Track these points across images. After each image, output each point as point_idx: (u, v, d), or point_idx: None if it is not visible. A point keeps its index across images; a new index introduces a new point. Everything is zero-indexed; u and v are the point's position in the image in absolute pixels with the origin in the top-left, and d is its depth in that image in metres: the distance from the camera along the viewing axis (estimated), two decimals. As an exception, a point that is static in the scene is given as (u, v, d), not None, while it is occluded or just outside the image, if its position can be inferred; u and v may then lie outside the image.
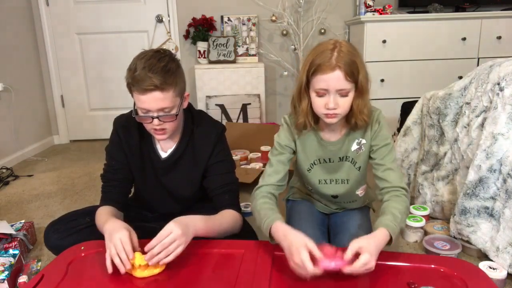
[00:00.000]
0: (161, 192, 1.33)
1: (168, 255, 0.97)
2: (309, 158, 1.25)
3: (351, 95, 1.09)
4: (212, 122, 1.32)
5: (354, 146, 1.22)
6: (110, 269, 0.98)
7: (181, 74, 1.16)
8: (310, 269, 0.92)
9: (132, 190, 1.50)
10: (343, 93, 1.08)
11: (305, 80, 1.10)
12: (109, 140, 1.30)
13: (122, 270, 0.97)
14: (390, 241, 1.03)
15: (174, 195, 1.34)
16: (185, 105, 1.22)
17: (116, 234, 1.01)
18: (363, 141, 1.21)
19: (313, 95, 1.11)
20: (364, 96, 1.11)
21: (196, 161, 1.28)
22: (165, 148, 1.28)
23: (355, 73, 1.06)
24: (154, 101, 1.09)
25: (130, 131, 1.26)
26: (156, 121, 1.12)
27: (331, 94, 1.07)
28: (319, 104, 1.10)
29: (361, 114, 1.13)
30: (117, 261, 0.98)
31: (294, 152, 1.27)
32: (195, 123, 1.28)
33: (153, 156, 1.28)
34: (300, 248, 0.94)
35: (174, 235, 0.98)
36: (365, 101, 1.12)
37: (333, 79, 1.05)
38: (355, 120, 1.15)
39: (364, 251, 0.94)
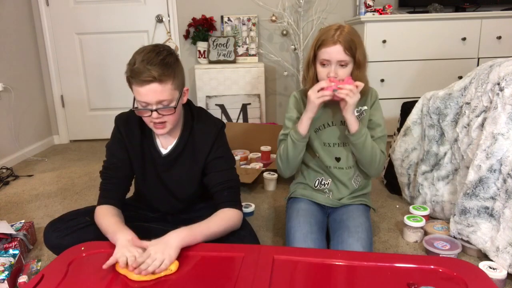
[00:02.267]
0: (161, 189, 1.33)
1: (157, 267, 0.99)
2: (314, 123, 1.40)
3: (350, 67, 1.32)
4: (212, 118, 1.33)
5: (354, 113, 1.37)
6: (106, 266, 1.00)
7: (179, 68, 1.17)
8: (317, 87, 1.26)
9: (133, 189, 1.50)
10: (342, 64, 1.31)
11: (312, 54, 1.35)
12: (110, 137, 1.31)
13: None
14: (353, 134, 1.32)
15: (174, 192, 1.34)
16: (184, 100, 1.24)
17: (135, 249, 1.03)
18: (364, 108, 1.41)
19: (318, 65, 1.34)
20: (362, 69, 1.34)
21: (196, 158, 1.28)
22: (165, 145, 1.29)
23: (353, 48, 1.29)
24: (153, 93, 1.10)
25: (131, 127, 1.27)
26: (155, 114, 1.13)
27: (333, 65, 1.30)
28: (323, 73, 1.33)
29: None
30: (124, 264, 1.00)
31: None
32: (194, 120, 1.29)
33: (154, 152, 1.29)
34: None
35: (151, 257, 0.99)
36: (363, 73, 1.35)
37: (334, 51, 1.29)
38: None
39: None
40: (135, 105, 1.17)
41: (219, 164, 1.27)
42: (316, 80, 1.38)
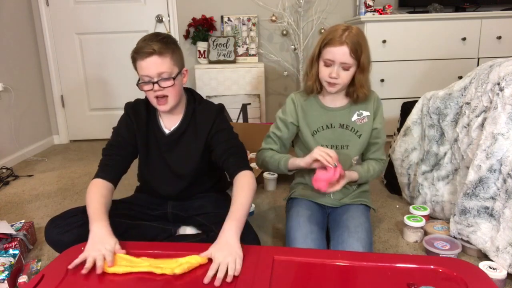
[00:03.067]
0: (163, 168, 1.38)
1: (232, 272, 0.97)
2: (312, 125, 1.42)
3: (352, 70, 1.31)
4: (211, 103, 1.41)
5: (355, 117, 1.41)
6: (72, 266, 1.01)
7: (178, 48, 1.28)
8: (329, 152, 1.26)
9: (132, 188, 1.50)
10: (345, 67, 1.30)
11: (317, 52, 1.33)
12: (118, 122, 1.38)
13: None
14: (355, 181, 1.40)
15: (175, 169, 1.37)
16: (185, 80, 1.33)
17: (103, 245, 1.04)
18: (365, 113, 1.41)
19: (321, 64, 1.33)
20: (365, 73, 1.33)
21: (197, 136, 1.34)
22: (169, 126, 1.36)
23: (358, 51, 1.28)
24: (154, 64, 1.21)
25: (138, 111, 1.36)
26: (156, 86, 1.22)
27: (336, 66, 1.29)
28: (325, 73, 1.32)
29: (362, 88, 1.34)
30: (90, 264, 1.01)
31: (296, 129, 1.45)
32: (196, 103, 1.37)
33: (158, 133, 1.35)
34: (316, 148, 1.29)
35: (223, 263, 0.98)
36: (366, 77, 1.34)
37: (340, 53, 1.27)
38: (356, 93, 1.36)
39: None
40: (139, 82, 1.26)
41: (221, 136, 1.32)
42: (318, 79, 1.37)
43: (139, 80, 1.26)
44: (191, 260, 1.01)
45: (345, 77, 1.31)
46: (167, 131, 1.35)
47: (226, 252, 1.01)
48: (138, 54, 1.22)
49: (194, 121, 1.35)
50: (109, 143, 1.36)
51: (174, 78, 1.24)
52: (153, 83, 1.22)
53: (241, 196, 1.18)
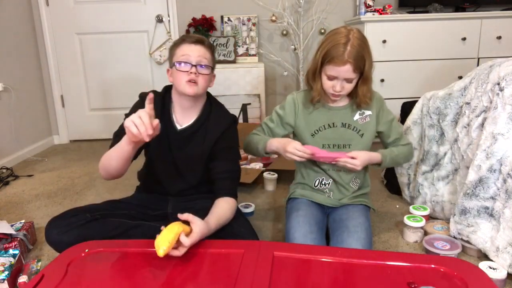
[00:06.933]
0: (170, 166, 1.39)
1: None
2: (314, 125, 1.43)
3: (355, 81, 1.33)
4: (227, 111, 1.46)
5: (357, 116, 1.42)
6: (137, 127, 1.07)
7: (214, 55, 1.39)
8: (301, 148, 1.31)
9: (133, 186, 1.50)
10: (349, 80, 1.31)
11: (319, 65, 1.32)
12: (131, 108, 1.36)
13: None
14: (379, 164, 1.41)
15: (181, 170, 1.40)
16: (211, 84, 1.38)
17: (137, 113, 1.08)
18: (367, 112, 1.42)
19: (324, 77, 1.33)
20: (368, 83, 1.35)
21: (206, 139, 1.36)
22: (181, 122, 1.38)
23: (361, 66, 1.28)
24: (197, 51, 1.29)
25: (154, 101, 1.33)
26: (194, 69, 1.28)
27: (339, 80, 1.31)
28: (328, 85, 1.33)
29: (365, 97, 1.36)
30: (138, 122, 1.07)
31: (291, 129, 1.48)
32: (212, 106, 1.41)
33: (169, 127, 1.37)
34: (291, 142, 1.34)
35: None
36: (369, 87, 1.36)
37: (343, 71, 1.28)
38: (359, 102, 1.38)
39: (357, 155, 1.32)
40: (173, 65, 1.31)
41: (227, 153, 1.36)
42: (323, 91, 1.37)
43: (173, 64, 1.30)
44: (170, 232, 1.02)
45: (348, 87, 1.33)
46: (179, 127, 1.37)
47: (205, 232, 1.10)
48: (186, 39, 1.30)
49: (207, 124, 1.38)
50: (120, 128, 1.31)
51: (211, 68, 1.32)
52: (192, 65, 1.28)
53: (223, 212, 1.25)
